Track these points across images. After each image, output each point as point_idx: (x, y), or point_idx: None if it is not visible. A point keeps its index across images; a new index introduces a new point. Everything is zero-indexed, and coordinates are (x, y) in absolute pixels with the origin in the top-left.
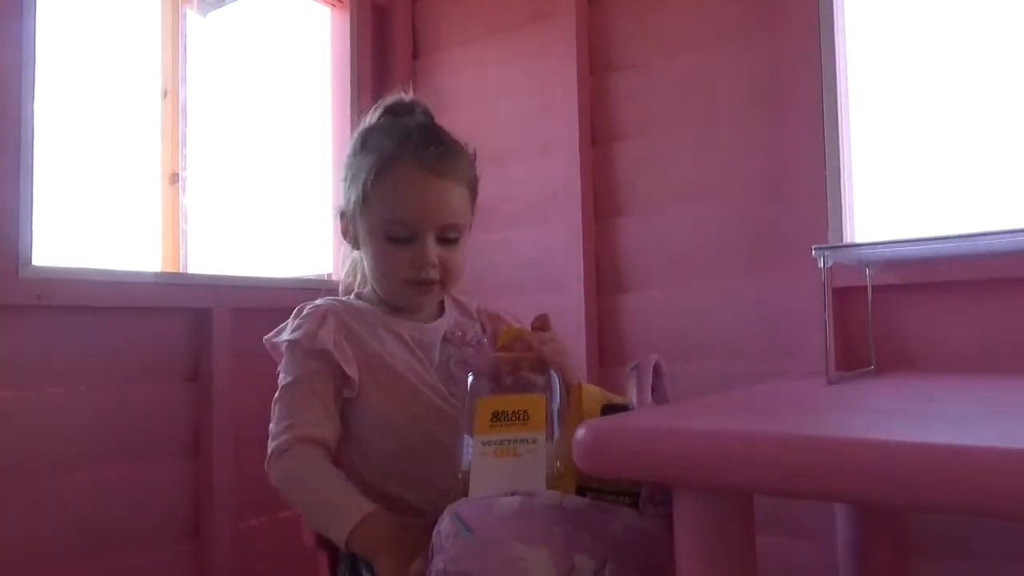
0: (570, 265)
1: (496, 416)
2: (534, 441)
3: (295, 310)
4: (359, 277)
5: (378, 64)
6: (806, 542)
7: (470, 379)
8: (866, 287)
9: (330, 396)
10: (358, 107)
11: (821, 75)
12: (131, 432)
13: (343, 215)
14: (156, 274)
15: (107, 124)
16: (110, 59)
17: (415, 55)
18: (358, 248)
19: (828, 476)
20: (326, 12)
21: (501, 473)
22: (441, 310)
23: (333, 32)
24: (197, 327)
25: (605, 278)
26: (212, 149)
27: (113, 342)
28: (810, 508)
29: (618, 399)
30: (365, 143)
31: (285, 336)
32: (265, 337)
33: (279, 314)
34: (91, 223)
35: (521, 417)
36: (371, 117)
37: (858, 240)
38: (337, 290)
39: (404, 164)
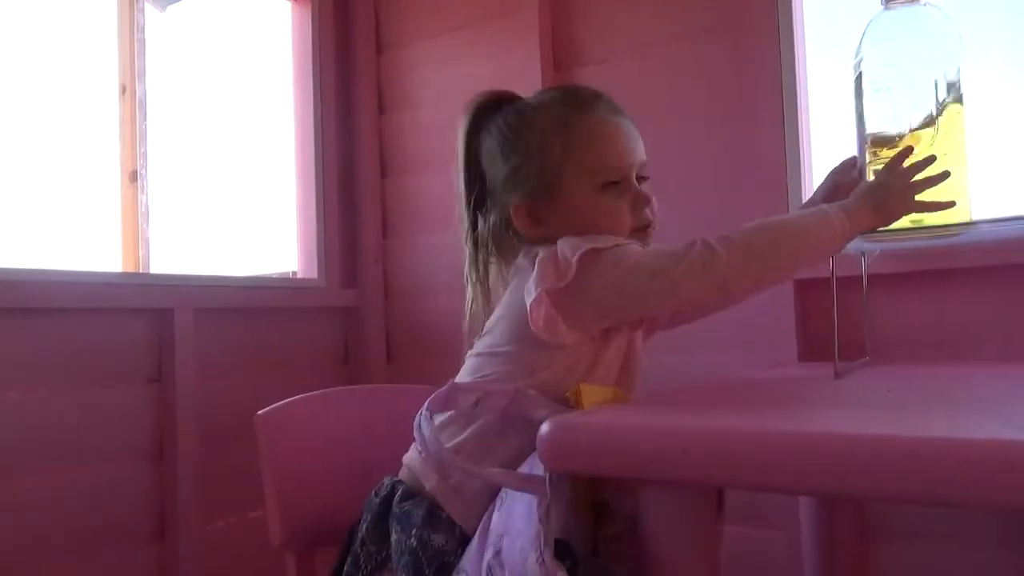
0: None
1: None
2: None
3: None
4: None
5: (341, 59)
6: (771, 531)
7: None
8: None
9: None
10: (321, 102)
11: (781, 72)
12: (93, 435)
13: (517, 208)
14: (116, 274)
15: (64, 121)
16: (66, 54)
17: (379, 50)
18: (546, 230)
19: (790, 471)
20: (287, 6)
21: None
22: None
23: (294, 27)
24: (158, 328)
25: None
26: (172, 146)
27: (73, 344)
28: (775, 497)
29: (610, 390)
30: (528, 121)
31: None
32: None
33: (242, 314)
34: (49, 223)
35: None
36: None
37: None
38: (303, 287)
39: (593, 111)
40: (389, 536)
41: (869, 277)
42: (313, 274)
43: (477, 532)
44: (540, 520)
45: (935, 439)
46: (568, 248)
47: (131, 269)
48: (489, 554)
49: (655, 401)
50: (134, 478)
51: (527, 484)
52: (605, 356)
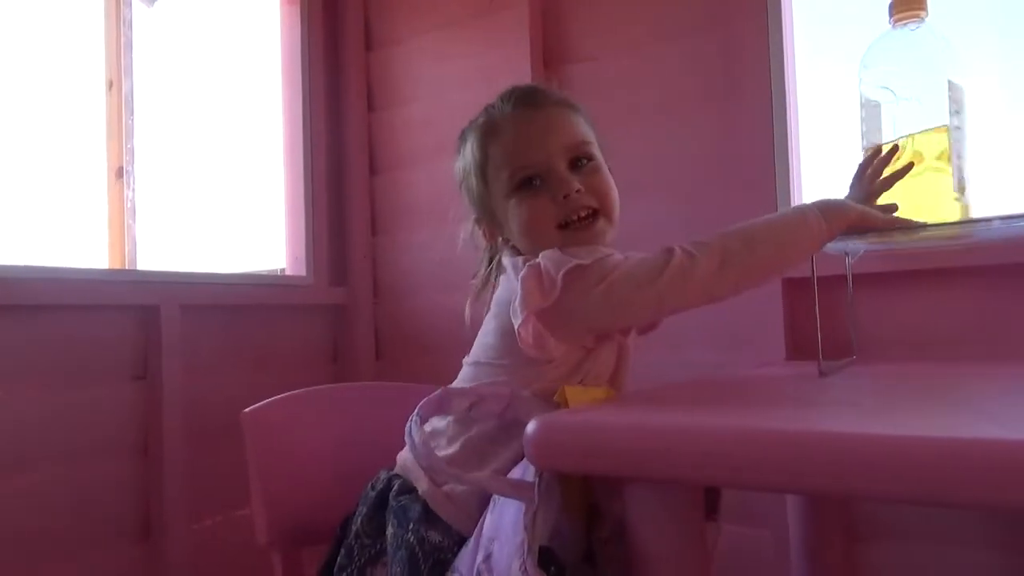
0: None
1: None
2: None
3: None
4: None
5: (330, 56)
6: (759, 529)
7: None
8: (812, 278)
9: None
10: (310, 99)
11: (770, 67)
12: (78, 433)
13: (478, 220)
14: (102, 271)
15: (50, 117)
16: (52, 49)
17: (368, 47)
18: (507, 239)
19: (775, 469)
20: (276, 1)
21: None
22: None
23: (284, 22)
24: (144, 325)
25: None
26: (159, 142)
27: (58, 341)
28: (762, 496)
29: (598, 391)
30: (461, 143)
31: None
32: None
33: (229, 311)
34: (34, 219)
35: None
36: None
37: None
38: (292, 284)
39: (501, 119)
40: (384, 529)
41: (855, 276)
42: (302, 271)
43: (474, 533)
44: (525, 527)
45: (921, 438)
46: (552, 264)
47: (117, 266)
48: (480, 557)
49: (641, 399)
50: (119, 476)
51: (515, 490)
52: (599, 361)
